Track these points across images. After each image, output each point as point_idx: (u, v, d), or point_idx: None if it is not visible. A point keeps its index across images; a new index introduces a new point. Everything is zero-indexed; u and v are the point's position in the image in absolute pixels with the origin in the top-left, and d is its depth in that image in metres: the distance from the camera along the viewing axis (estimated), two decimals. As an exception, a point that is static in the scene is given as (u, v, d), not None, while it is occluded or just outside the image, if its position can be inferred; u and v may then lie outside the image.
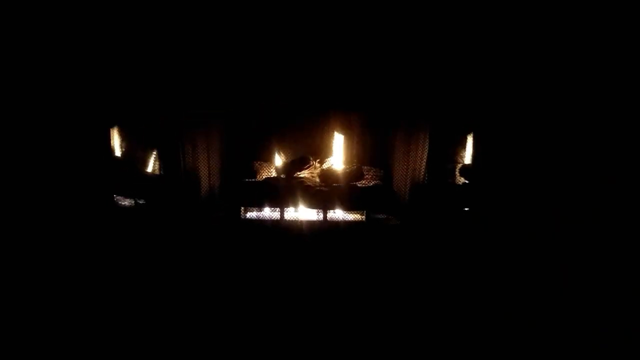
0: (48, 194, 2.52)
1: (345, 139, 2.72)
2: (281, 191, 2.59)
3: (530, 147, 2.50)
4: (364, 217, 2.60)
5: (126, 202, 2.68)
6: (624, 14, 2.36)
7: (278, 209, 2.60)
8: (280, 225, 2.58)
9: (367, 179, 2.69)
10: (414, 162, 2.61)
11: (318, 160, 2.73)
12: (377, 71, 2.52)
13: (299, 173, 2.69)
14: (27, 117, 2.51)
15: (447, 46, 2.48)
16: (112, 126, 2.67)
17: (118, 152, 2.73)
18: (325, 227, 2.57)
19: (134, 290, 2.23)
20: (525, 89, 2.48)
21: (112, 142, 2.68)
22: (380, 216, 2.61)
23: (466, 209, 2.63)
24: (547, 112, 2.49)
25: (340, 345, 1.91)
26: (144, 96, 2.55)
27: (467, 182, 2.66)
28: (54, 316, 2.05)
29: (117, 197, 2.67)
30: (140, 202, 2.64)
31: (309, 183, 2.62)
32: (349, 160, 2.73)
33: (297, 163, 2.69)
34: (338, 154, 2.73)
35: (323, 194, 2.57)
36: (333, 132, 2.72)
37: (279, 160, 2.75)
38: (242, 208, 2.62)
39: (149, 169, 2.71)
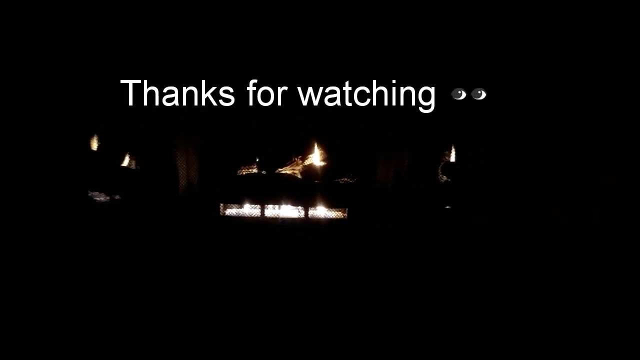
0: (16, 188, 2.42)
1: (327, 134, 2.67)
2: (262, 187, 2.55)
3: (515, 144, 2.50)
4: (346, 214, 2.57)
5: (101, 198, 2.60)
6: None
7: (258, 205, 2.55)
8: (260, 223, 2.54)
9: (349, 176, 2.66)
10: (396, 159, 2.59)
11: (300, 157, 2.69)
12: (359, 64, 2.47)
13: (280, 169, 2.64)
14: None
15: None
16: (89, 120, 2.58)
17: (94, 146, 2.65)
18: (307, 225, 2.53)
19: (107, 289, 2.16)
20: (510, 82, 2.47)
21: (88, 135, 2.60)
22: (363, 213, 2.58)
23: (447, 207, 2.62)
24: (534, 109, 2.49)
25: (320, 345, 1.88)
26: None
27: (449, 180, 2.65)
28: (23, 317, 1.97)
29: (91, 193, 2.59)
30: (116, 197, 2.57)
31: (290, 179, 2.58)
32: (331, 157, 2.69)
33: (278, 159, 2.64)
34: (320, 150, 2.69)
35: (305, 191, 2.54)
36: (315, 127, 2.67)
37: (259, 155, 2.69)
38: (221, 205, 2.56)
39: (125, 164, 2.63)
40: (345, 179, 2.65)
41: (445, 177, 2.65)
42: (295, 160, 2.67)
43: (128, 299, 2.11)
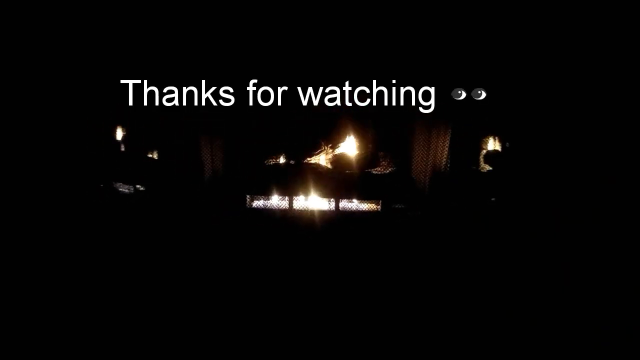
0: (42, 180, 2.39)
1: (359, 122, 2.51)
2: (290, 178, 2.42)
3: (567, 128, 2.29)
4: (379, 206, 2.41)
5: (125, 189, 2.53)
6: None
7: (287, 197, 2.43)
8: (288, 215, 2.41)
9: (383, 165, 2.50)
10: (435, 147, 2.40)
11: (330, 145, 2.54)
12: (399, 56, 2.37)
13: (309, 159, 2.50)
14: (23, 97, 2.39)
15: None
16: (114, 112, 2.52)
17: (119, 136, 2.58)
18: (338, 218, 2.39)
19: (132, 283, 2.09)
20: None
21: (114, 127, 2.55)
22: (398, 206, 2.41)
23: (492, 199, 2.42)
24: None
25: (351, 345, 1.75)
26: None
27: (491, 169, 2.45)
28: (48, 308, 1.92)
29: (116, 184, 2.53)
30: (140, 188, 2.49)
31: (320, 170, 2.44)
32: (363, 145, 2.53)
33: (307, 148, 2.51)
34: (352, 138, 2.53)
35: (335, 181, 2.40)
36: (347, 114, 2.51)
37: (288, 144, 2.56)
38: (248, 196, 2.45)
39: (150, 155, 2.56)
40: (379, 169, 2.48)
41: (488, 167, 2.45)
42: (325, 149, 2.52)
43: (153, 291, 2.04)
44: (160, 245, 2.27)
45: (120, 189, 2.52)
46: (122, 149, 2.56)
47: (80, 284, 2.07)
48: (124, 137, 2.58)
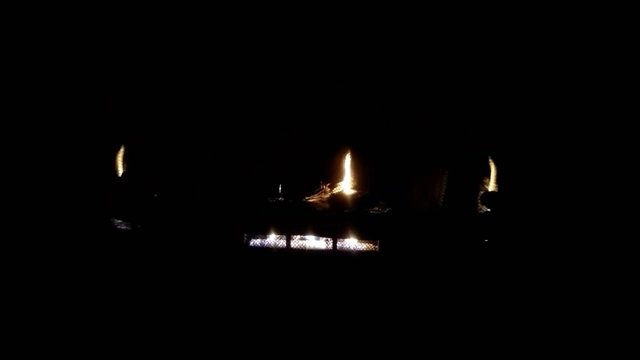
0: (38, 214, 2.39)
1: (357, 161, 2.55)
2: (288, 217, 2.43)
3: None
4: (377, 246, 2.41)
5: (123, 226, 2.53)
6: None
7: (284, 236, 2.43)
8: (286, 254, 2.41)
9: (380, 205, 2.51)
10: (432, 188, 2.44)
11: (328, 184, 2.56)
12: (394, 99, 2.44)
13: (307, 198, 2.52)
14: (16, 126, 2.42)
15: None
16: (114, 146, 2.56)
17: (119, 172, 2.60)
18: (335, 257, 2.39)
19: (127, 322, 2.07)
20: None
21: (115, 160, 2.57)
22: (396, 246, 2.41)
23: (486, 240, 2.43)
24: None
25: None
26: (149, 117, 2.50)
27: (489, 210, 2.47)
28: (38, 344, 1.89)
29: (114, 220, 2.52)
30: (138, 226, 2.49)
31: (318, 209, 2.45)
32: (361, 185, 2.56)
33: (305, 187, 2.53)
34: (350, 178, 2.56)
35: (333, 220, 2.40)
36: (345, 154, 2.55)
37: (287, 183, 2.59)
38: (245, 234, 2.45)
39: (148, 191, 2.56)
40: (377, 209, 2.50)
41: (485, 208, 2.47)
42: (323, 188, 2.55)
43: (150, 333, 2.01)
44: (158, 285, 2.26)
45: (118, 226, 2.52)
46: (124, 186, 2.57)
47: (71, 326, 2.04)
48: (124, 174, 2.60)
